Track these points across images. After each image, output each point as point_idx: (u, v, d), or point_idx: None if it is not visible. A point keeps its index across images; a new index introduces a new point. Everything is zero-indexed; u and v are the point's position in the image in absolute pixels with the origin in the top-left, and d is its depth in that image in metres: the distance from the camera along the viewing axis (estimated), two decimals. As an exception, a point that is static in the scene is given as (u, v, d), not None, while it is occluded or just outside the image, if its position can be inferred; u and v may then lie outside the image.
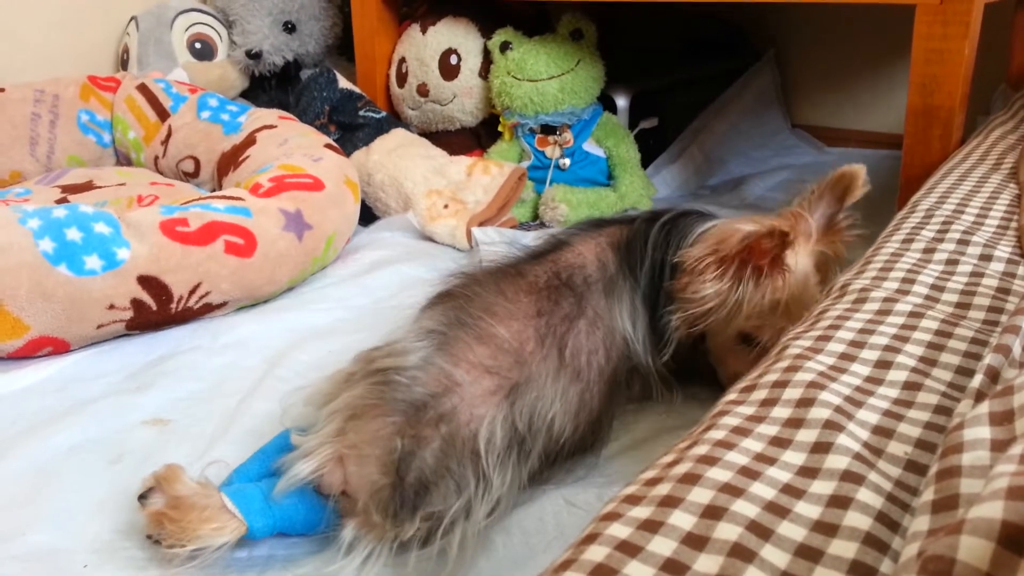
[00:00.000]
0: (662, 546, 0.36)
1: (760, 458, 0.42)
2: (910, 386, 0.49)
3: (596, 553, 0.36)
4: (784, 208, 0.79)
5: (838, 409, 0.46)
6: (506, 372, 0.63)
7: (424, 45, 1.47)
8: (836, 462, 0.42)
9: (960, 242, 0.70)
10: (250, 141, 1.25)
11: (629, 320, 0.73)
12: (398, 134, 1.40)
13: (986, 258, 0.67)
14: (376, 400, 0.58)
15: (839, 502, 0.39)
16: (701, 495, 0.39)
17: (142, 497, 0.59)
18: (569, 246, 0.77)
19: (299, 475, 0.57)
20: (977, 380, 0.45)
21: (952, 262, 0.66)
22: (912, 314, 0.57)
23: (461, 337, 0.63)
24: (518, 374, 0.63)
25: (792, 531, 0.37)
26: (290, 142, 1.20)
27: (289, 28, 1.55)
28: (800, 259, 0.75)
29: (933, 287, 0.62)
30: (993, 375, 0.45)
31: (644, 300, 0.75)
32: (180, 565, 0.57)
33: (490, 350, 0.63)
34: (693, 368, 0.79)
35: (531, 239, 1.20)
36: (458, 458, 0.57)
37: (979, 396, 0.43)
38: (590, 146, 1.42)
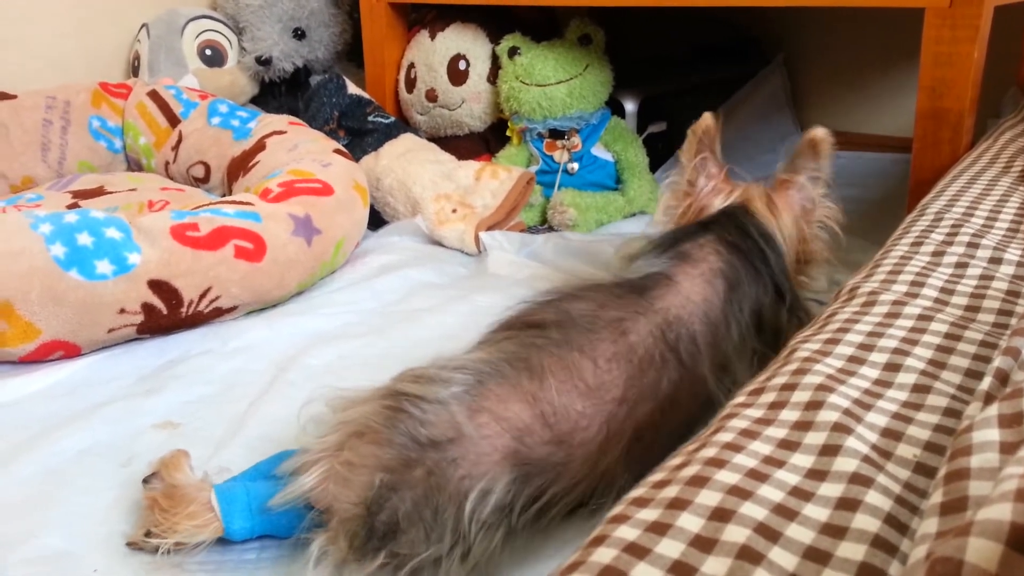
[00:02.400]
0: (670, 548, 0.36)
1: (768, 461, 0.42)
2: (919, 389, 0.49)
3: (604, 555, 0.36)
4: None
5: (847, 412, 0.46)
6: (533, 445, 0.57)
7: (433, 51, 1.48)
8: (844, 464, 0.41)
9: (970, 245, 0.69)
10: (260, 147, 1.25)
11: (737, 360, 0.68)
12: (407, 139, 1.41)
13: (996, 261, 0.67)
14: (380, 425, 0.56)
15: (847, 504, 0.39)
16: (709, 497, 0.39)
17: (145, 481, 0.61)
18: (674, 283, 0.70)
19: (298, 490, 0.56)
20: (986, 383, 0.45)
21: (961, 265, 0.66)
22: (921, 317, 0.57)
23: (501, 387, 0.57)
24: (546, 453, 0.57)
25: (800, 533, 0.37)
26: (299, 147, 1.21)
27: (299, 34, 1.56)
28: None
29: (942, 290, 0.62)
30: (1002, 378, 0.45)
31: (751, 311, 0.72)
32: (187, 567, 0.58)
33: (530, 415, 0.57)
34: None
35: (540, 242, 1.21)
36: (436, 511, 0.53)
37: (988, 399, 0.43)
38: (598, 150, 1.42)
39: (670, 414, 0.63)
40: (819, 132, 0.88)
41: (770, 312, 0.75)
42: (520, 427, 0.57)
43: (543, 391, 0.58)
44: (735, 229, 0.79)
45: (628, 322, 0.64)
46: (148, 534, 0.59)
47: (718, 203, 0.86)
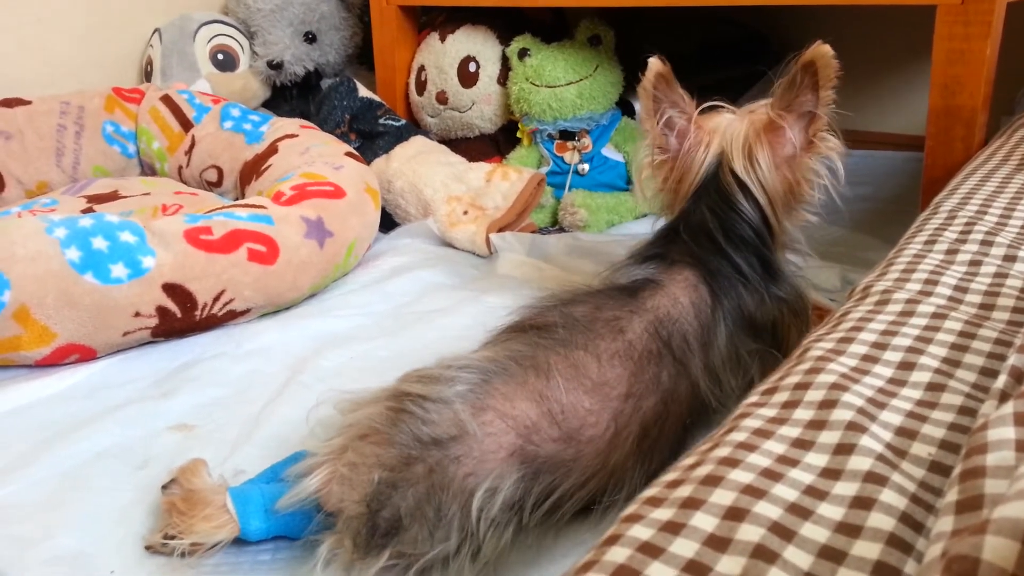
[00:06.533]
0: (684, 547, 0.36)
1: (782, 460, 0.42)
2: (933, 387, 0.49)
3: (618, 554, 0.36)
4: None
5: (861, 411, 0.46)
6: (539, 441, 0.57)
7: (443, 53, 1.48)
8: (859, 463, 0.41)
9: (983, 243, 0.69)
10: (272, 150, 1.26)
11: (726, 367, 0.68)
12: (417, 141, 1.41)
13: (1010, 259, 0.66)
14: (382, 426, 0.56)
15: (862, 503, 0.39)
16: (723, 497, 0.39)
17: (164, 487, 0.63)
18: (661, 286, 0.70)
19: (303, 493, 0.57)
20: (1001, 381, 0.44)
21: (975, 263, 0.66)
22: (935, 315, 0.57)
23: (507, 386, 0.58)
24: (556, 450, 0.57)
25: (815, 532, 0.37)
26: (311, 151, 1.21)
27: (310, 38, 1.57)
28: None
29: (956, 288, 0.61)
30: (1017, 376, 0.45)
31: (738, 317, 0.71)
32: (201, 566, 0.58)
33: (538, 412, 0.57)
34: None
35: (551, 243, 1.21)
36: (439, 508, 0.54)
37: (1003, 397, 0.43)
38: (609, 151, 1.42)
39: (672, 407, 0.64)
40: (820, 49, 0.69)
41: (758, 309, 0.73)
42: (527, 424, 0.57)
43: (550, 389, 0.59)
44: (704, 236, 0.74)
45: (624, 321, 0.65)
46: (167, 537, 0.60)
47: (700, 159, 0.76)
